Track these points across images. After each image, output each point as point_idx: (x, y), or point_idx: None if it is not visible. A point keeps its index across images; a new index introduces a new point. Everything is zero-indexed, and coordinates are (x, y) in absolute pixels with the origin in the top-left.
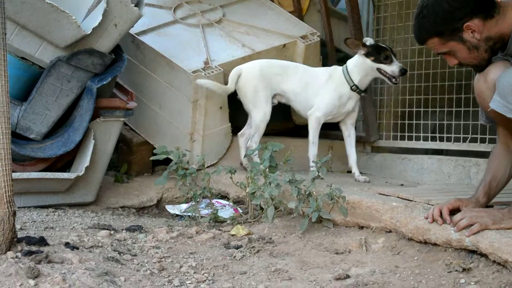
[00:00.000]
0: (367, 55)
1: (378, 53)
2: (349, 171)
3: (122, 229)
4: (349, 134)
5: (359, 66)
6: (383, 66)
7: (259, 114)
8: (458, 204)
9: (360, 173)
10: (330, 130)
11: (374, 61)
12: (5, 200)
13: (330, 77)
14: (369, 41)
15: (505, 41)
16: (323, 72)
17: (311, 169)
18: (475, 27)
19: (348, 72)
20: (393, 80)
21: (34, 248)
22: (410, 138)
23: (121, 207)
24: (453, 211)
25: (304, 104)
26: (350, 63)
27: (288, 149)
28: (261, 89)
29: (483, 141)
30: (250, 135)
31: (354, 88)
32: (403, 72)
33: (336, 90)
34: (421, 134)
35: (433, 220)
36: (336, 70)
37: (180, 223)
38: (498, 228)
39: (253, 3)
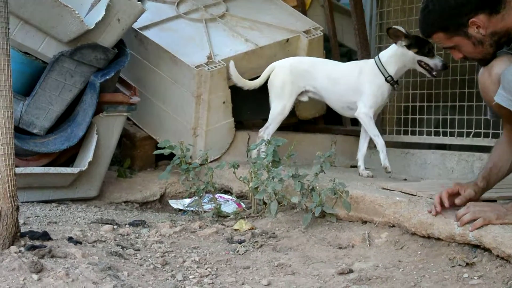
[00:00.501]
0: (409, 46)
1: (422, 46)
2: (353, 166)
3: (125, 224)
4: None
5: (398, 57)
6: (425, 59)
7: (279, 107)
8: (457, 189)
9: (365, 168)
10: (333, 125)
11: (417, 53)
12: (8, 194)
13: (361, 72)
14: (396, 27)
15: (511, 36)
16: (352, 67)
17: (385, 162)
18: (480, 22)
19: (382, 64)
20: (434, 73)
21: (37, 243)
22: (413, 133)
23: (124, 202)
24: (453, 196)
25: (335, 100)
26: (385, 54)
27: (291, 144)
28: (287, 84)
29: (486, 135)
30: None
31: (389, 79)
32: (445, 66)
33: (373, 83)
34: (425, 129)
35: (436, 213)
36: (367, 63)
37: (183, 218)
38: (501, 223)
39: None
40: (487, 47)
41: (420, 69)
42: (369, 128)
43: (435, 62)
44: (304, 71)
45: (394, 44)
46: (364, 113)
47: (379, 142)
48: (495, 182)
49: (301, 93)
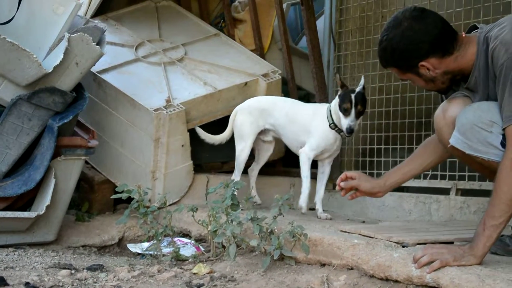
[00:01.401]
0: (339, 96)
1: (342, 101)
2: (311, 208)
3: (83, 269)
4: (324, 171)
5: (335, 107)
6: (341, 115)
7: (239, 147)
8: (354, 175)
9: (323, 210)
10: (292, 168)
11: (339, 107)
12: None
13: (314, 114)
14: (337, 78)
15: (465, 75)
16: (308, 108)
17: (301, 203)
18: (429, 66)
19: (330, 111)
20: (341, 133)
21: None
22: (371, 175)
23: (82, 246)
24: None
25: (290, 139)
26: (333, 102)
27: (249, 187)
28: (246, 124)
29: (443, 177)
30: (257, 170)
31: (333, 126)
32: (348, 131)
33: (319, 127)
34: (382, 171)
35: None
36: (321, 107)
37: (142, 262)
38: (458, 265)
39: (215, 41)
40: (439, 84)
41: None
42: (303, 168)
43: (345, 122)
44: (262, 109)
45: None
46: (305, 153)
47: (305, 185)
48: (398, 182)
49: (262, 132)
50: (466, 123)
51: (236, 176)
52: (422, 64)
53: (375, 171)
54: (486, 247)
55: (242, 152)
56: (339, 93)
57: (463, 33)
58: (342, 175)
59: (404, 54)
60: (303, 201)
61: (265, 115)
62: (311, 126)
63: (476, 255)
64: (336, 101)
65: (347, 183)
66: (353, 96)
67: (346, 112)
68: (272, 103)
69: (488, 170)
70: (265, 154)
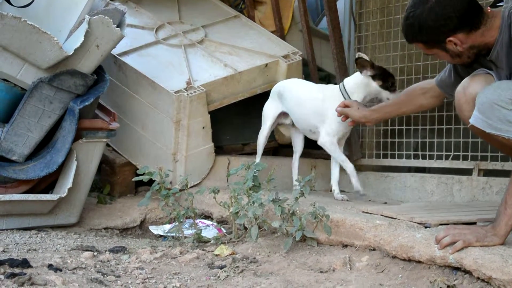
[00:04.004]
0: (373, 77)
1: (385, 79)
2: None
3: (106, 250)
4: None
5: (362, 86)
6: (387, 93)
7: (260, 130)
8: (350, 103)
9: (341, 191)
10: (312, 149)
11: (381, 86)
12: None
13: (325, 97)
14: (363, 57)
15: (490, 49)
16: (317, 90)
17: (357, 185)
18: (457, 41)
19: (346, 91)
20: None
21: (17, 270)
22: (392, 156)
23: (104, 228)
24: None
25: (300, 122)
26: (350, 81)
27: (271, 168)
28: (268, 107)
29: (465, 158)
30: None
31: None
32: None
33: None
34: (404, 152)
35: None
36: (331, 89)
37: (164, 244)
38: (481, 245)
39: (235, 23)
40: (465, 58)
41: (385, 100)
42: (335, 155)
43: (393, 96)
44: (279, 93)
45: (358, 72)
46: (328, 141)
47: (348, 166)
48: (380, 118)
49: (281, 115)
50: (485, 101)
51: (257, 157)
52: (449, 40)
53: (396, 152)
54: (509, 226)
55: (260, 134)
56: (372, 73)
57: (489, 7)
58: (341, 103)
59: (432, 30)
60: (356, 183)
61: (282, 99)
62: (324, 109)
63: (498, 235)
64: (362, 81)
65: (342, 109)
66: (389, 71)
67: (393, 86)
68: (285, 86)
69: (509, 148)
70: (301, 142)
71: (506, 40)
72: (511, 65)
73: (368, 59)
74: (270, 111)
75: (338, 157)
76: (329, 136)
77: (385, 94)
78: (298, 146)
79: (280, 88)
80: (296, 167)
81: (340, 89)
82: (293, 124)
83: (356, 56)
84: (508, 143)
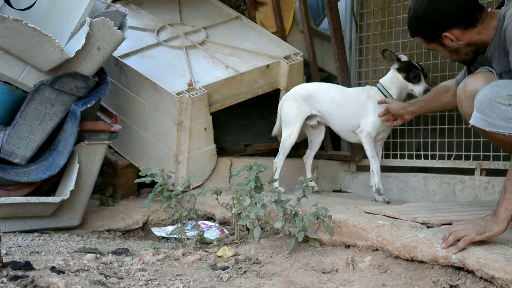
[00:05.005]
0: (399, 70)
1: (409, 71)
2: (335, 190)
3: (108, 253)
4: (377, 152)
5: (393, 81)
6: (410, 85)
7: (286, 133)
8: (389, 100)
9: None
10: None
11: (405, 78)
12: None
13: (369, 96)
14: (403, 58)
15: (486, 47)
16: (359, 92)
17: (379, 184)
18: (452, 37)
19: (385, 88)
20: None
21: (20, 273)
22: (394, 156)
23: (107, 231)
24: None
25: (340, 124)
26: (385, 79)
27: (273, 170)
28: (293, 110)
29: (467, 158)
30: (312, 157)
31: None
32: (426, 92)
33: (377, 107)
34: (406, 152)
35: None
36: (370, 89)
37: (166, 245)
38: (482, 239)
39: (236, 24)
40: (463, 55)
41: (417, 95)
42: (367, 147)
43: (418, 89)
44: (307, 96)
45: (392, 69)
46: (366, 131)
47: (375, 164)
48: (416, 112)
49: (309, 118)
50: (484, 100)
51: (280, 160)
52: (445, 35)
53: (398, 152)
54: (508, 210)
55: (289, 137)
56: (397, 66)
57: (490, 8)
58: (381, 100)
59: (428, 24)
60: (378, 182)
61: (311, 102)
62: (366, 108)
63: (498, 221)
64: (392, 76)
65: (383, 99)
66: (415, 63)
67: (416, 79)
68: (317, 90)
69: (510, 146)
70: (318, 139)
71: (498, 41)
72: (502, 65)
73: (392, 52)
74: (298, 115)
75: (369, 151)
76: (367, 128)
77: (410, 86)
78: (315, 145)
79: (309, 92)
80: (309, 163)
81: (378, 88)
82: (314, 125)
83: (383, 49)
84: (508, 140)
